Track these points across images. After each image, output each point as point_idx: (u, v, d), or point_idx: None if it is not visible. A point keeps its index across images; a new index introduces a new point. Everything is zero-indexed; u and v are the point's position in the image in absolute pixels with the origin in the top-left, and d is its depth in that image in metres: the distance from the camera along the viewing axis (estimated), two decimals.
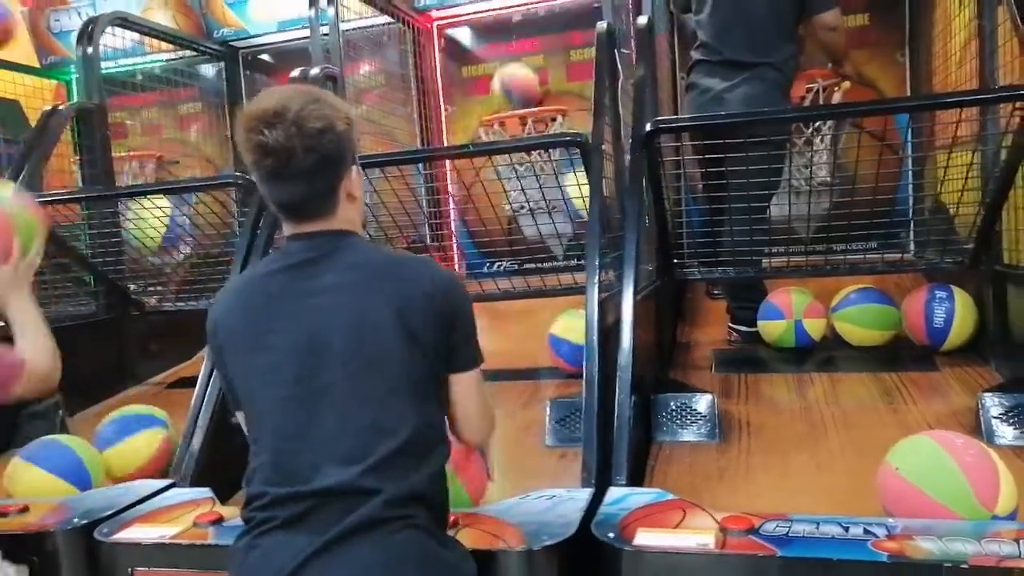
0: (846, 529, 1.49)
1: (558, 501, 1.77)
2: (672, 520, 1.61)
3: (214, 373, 2.35)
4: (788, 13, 3.06)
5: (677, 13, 3.60)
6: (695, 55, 3.19)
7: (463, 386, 1.44)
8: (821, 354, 2.92)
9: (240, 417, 1.47)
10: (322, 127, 1.30)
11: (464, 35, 4.44)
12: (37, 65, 4.89)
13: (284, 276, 1.38)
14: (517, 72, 4.16)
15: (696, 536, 1.52)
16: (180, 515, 1.86)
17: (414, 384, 1.34)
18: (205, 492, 2.01)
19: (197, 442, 2.23)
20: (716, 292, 3.61)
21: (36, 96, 4.65)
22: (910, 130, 3.24)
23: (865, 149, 2.90)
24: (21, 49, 4.82)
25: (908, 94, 3.74)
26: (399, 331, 1.32)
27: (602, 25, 2.88)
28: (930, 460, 1.61)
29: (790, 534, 1.49)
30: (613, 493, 1.79)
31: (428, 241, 3.86)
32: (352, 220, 1.42)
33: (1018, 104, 2.14)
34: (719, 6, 3.08)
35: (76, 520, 1.84)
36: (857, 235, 2.86)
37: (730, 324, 3.20)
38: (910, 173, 3.53)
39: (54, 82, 4.96)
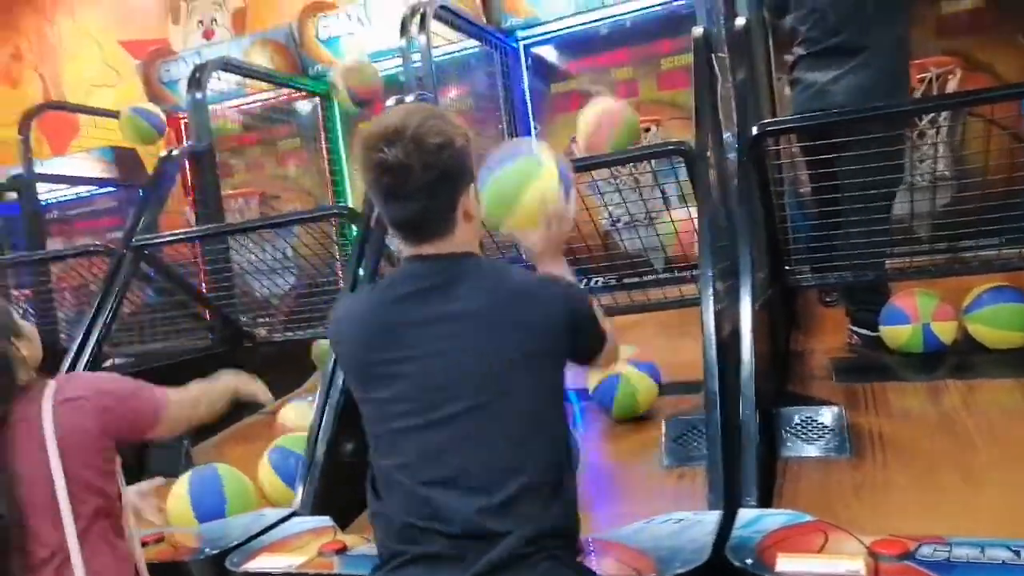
0: (1017, 554, 1.35)
1: (686, 524, 1.69)
2: (814, 544, 1.51)
3: (327, 404, 2.39)
4: None
5: (771, 19, 3.48)
6: (797, 51, 3.06)
7: (597, 361, 1.49)
8: (953, 359, 2.71)
9: None
10: (441, 143, 1.28)
11: (550, 52, 4.43)
12: None
13: (409, 303, 1.34)
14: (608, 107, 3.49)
15: (844, 562, 1.42)
16: (304, 544, 1.88)
17: (543, 415, 1.31)
18: (325, 520, 2.03)
19: (315, 471, 2.26)
20: (828, 299, 3.42)
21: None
22: None
23: (987, 139, 2.71)
24: (135, 100, 5.12)
25: None
26: (528, 361, 1.29)
27: (698, 30, 2.81)
28: None
29: (951, 559, 1.37)
30: (744, 515, 1.70)
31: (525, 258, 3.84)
32: (470, 241, 1.39)
33: None
34: None
35: (207, 551, 1.88)
36: (983, 231, 2.66)
37: (850, 326, 3.03)
38: None
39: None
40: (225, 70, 3.91)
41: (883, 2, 2.84)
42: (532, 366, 1.30)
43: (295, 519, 2.11)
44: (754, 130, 2.35)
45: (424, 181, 1.28)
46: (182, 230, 3.68)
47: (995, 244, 2.80)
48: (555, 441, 1.33)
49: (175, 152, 3.66)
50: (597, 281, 3.93)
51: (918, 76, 3.24)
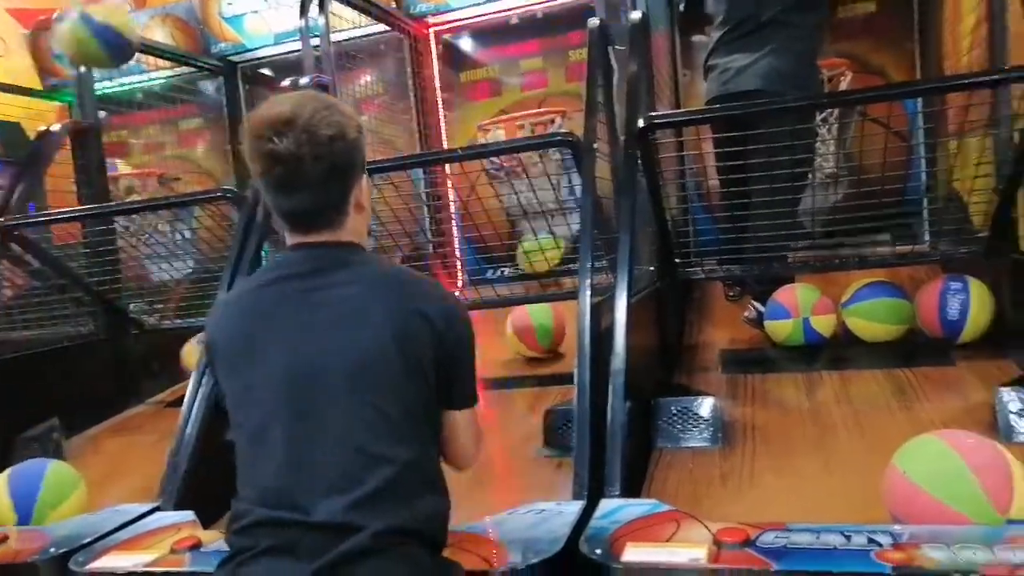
0: (848, 538, 1.39)
1: (547, 515, 1.69)
2: (664, 533, 1.52)
3: (200, 392, 2.31)
4: None
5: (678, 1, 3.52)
6: (714, 35, 3.08)
7: (460, 422, 1.39)
8: (831, 352, 2.81)
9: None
10: (333, 134, 1.25)
11: (462, 40, 4.38)
12: (39, 87, 4.90)
13: (284, 287, 1.31)
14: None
15: (688, 550, 1.43)
16: (160, 540, 1.80)
17: (412, 412, 1.28)
18: (188, 515, 1.95)
19: (182, 463, 2.17)
20: (731, 294, 3.47)
21: (38, 118, 4.65)
22: (920, 116, 3.13)
23: (873, 138, 2.80)
24: (22, 71, 4.84)
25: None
26: (400, 355, 1.26)
27: (594, 22, 2.81)
28: (938, 462, 1.50)
29: (788, 545, 1.40)
30: (605, 505, 1.71)
31: (430, 249, 3.79)
32: (359, 231, 1.37)
33: None
34: None
35: (52, 550, 1.78)
36: (867, 227, 2.75)
37: (751, 301, 3.07)
38: (921, 161, 3.41)
39: (56, 103, 4.97)
40: None
41: None
42: (405, 356, 1.26)
43: (157, 514, 2.03)
44: (640, 122, 2.36)
45: (316, 173, 1.25)
46: (55, 210, 3.49)
47: (883, 240, 2.91)
48: (423, 444, 1.30)
49: (55, 128, 3.47)
50: (501, 272, 3.93)
51: None
